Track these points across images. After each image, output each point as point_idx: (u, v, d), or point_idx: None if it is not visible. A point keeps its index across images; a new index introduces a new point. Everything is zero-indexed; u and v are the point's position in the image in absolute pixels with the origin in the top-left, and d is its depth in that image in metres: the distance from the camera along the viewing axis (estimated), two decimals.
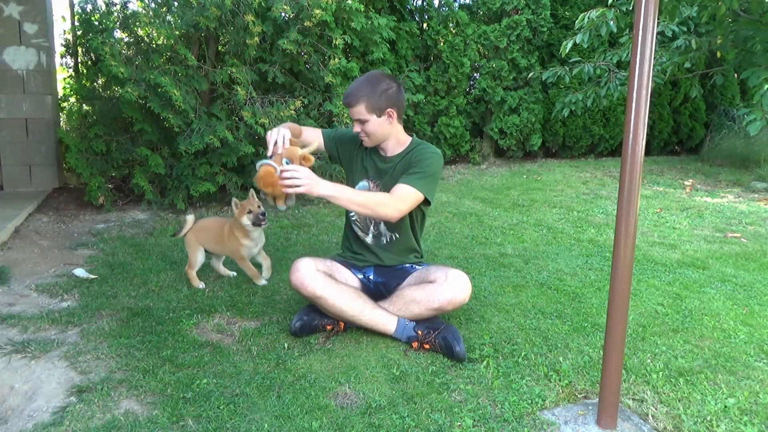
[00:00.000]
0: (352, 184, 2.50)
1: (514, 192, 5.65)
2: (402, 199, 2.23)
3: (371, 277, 2.49)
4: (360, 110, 2.27)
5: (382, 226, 2.48)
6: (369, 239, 2.50)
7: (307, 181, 2.07)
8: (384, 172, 2.42)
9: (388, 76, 2.35)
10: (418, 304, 2.28)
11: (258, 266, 3.01)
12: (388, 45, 5.59)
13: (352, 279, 2.46)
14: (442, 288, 2.25)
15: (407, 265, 2.51)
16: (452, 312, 2.42)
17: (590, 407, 1.86)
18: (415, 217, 2.47)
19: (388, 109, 2.30)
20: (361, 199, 2.20)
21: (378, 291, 2.45)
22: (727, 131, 8.37)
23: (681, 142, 9.16)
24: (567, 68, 5.71)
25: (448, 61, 6.57)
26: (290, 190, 2.08)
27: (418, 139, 2.47)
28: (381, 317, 2.29)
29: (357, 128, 2.32)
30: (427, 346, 2.22)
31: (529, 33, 6.86)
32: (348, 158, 2.54)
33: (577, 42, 4.92)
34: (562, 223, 4.47)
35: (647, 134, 1.88)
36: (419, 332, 2.24)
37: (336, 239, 3.73)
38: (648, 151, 8.49)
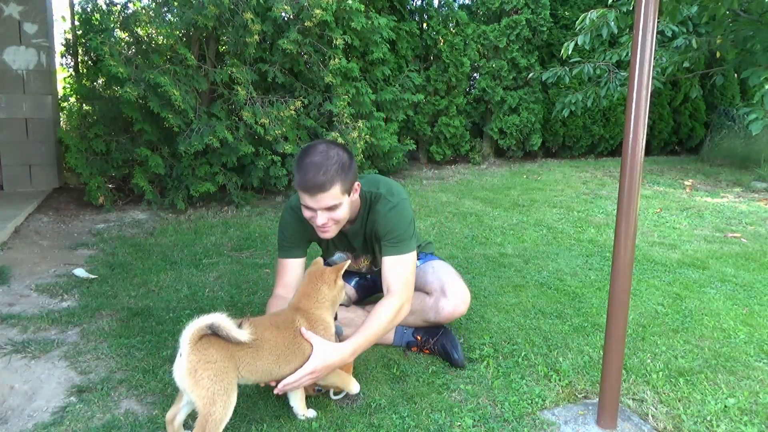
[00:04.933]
0: (325, 257, 2.24)
1: (514, 192, 5.64)
2: (406, 284, 1.97)
3: (368, 276, 2.47)
4: (335, 193, 1.80)
5: (373, 267, 2.34)
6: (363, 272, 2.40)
7: (314, 373, 1.71)
8: (352, 243, 2.19)
9: (335, 143, 1.92)
10: (413, 315, 2.17)
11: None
12: (388, 45, 5.59)
13: (348, 289, 2.37)
14: (439, 303, 2.16)
15: None
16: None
17: (590, 407, 1.86)
18: None
19: (356, 184, 1.92)
20: (383, 329, 1.90)
21: (374, 282, 2.43)
22: (727, 131, 8.36)
23: (681, 142, 9.16)
24: (567, 68, 5.71)
25: (448, 61, 6.57)
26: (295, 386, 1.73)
27: (366, 190, 2.04)
28: None
29: (321, 219, 1.85)
30: (426, 351, 2.22)
31: (528, 33, 6.86)
32: (316, 239, 2.15)
33: (579, 43, 4.92)
34: (562, 223, 4.47)
35: (647, 134, 1.88)
36: (418, 338, 2.23)
37: None
38: (648, 151, 8.49)
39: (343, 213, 1.88)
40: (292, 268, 2.10)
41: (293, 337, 1.70)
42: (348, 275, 2.44)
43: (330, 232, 1.92)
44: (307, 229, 2.03)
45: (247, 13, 4.23)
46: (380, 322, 1.88)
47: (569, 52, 4.97)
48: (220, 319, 1.49)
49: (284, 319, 1.73)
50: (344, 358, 1.77)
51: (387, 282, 1.98)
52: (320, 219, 1.85)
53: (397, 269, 1.98)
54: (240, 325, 1.55)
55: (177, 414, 1.61)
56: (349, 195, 1.88)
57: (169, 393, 1.91)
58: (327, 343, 1.75)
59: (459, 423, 1.78)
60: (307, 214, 1.88)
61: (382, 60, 5.54)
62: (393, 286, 1.96)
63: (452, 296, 2.16)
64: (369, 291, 2.45)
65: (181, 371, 1.49)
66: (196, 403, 1.48)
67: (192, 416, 1.62)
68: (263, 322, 1.69)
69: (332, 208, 1.84)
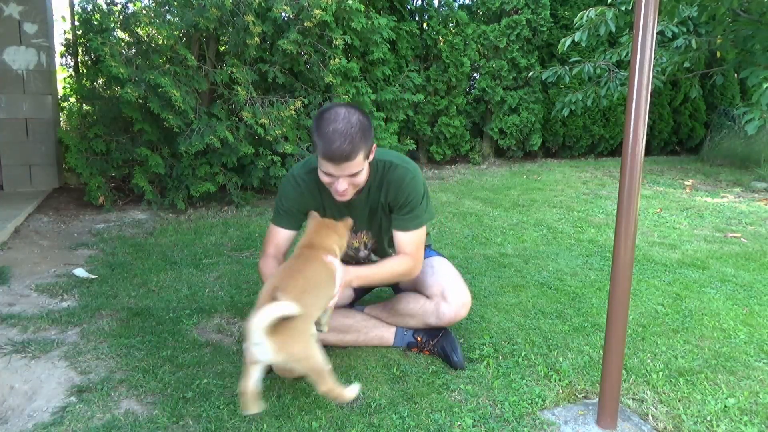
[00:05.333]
0: None
1: (514, 192, 5.65)
2: (419, 250, 2.06)
3: None
4: (359, 161, 1.81)
5: (372, 256, 2.32)
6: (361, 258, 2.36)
7: (341, 286, 1.86)
8: (353, 215, 2.10)
9: (354, 106, 1.88)
10: (414, 319, 2.20)
11: None
12: (388, 45, 5.59)
13: (346, 290, 2.29)
14: (440, 309, 2.14)
15: None
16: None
17: (590, 407, 1.86)
18: None
19: (373, 145, 1.93)
20: (390, 275, 2.05)
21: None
22: (727, 131, 8.37)
23: (681, 142, 9.16)
24: (567, 68, 5.71)
25: (448, 61, 6.57)
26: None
27: (380, 159, 2.03)
28: (377, 337, 2.24)
29: (342, 186, 1.85)
30: (426, 353, 2.22)
31: (528, 33, 6.86)
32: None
33: (576, 40, 4.92)
34: (562, 223, 4.47)
35: (647, 134, 1.88)
36: (418, 338, 2.23)
37: None
38: (648, 151, 8.49)
39: (364, 177, 1.91)
40: (284, 238, 2.10)
41: (324, 264, 1.85)
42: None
43: (347, 196, 1.93)
44: (306, 202, 2.06)
45: (249, 15, 4.23)
46: (389, 268, 2.01)
47: (565, 48, 4.97)
48: (282, 309, 1.58)
49: (311, 256, 1.86)
50: (349, 279, 1.90)
51: (401, 248, 2.06)
52: (341, 185, 1.85)
53: (413, 239, 2.05)
54: (275, 296, 1.64)
55: (251, 383, 1.65)
56: (368, 159, 1.90)
57: (169, 393, 1.91)
58: (341, 264, 1.90)
59: (459, 423, 1.78)
60: (325, 179, 1.88)
61: (382, 60, 5.54)
62: (407, 249, 2.04)
63: (453, 301, 2.12)
64: (365, 290, 2.43)
65: (270, 354, 1.59)
66: (302, 369, 1.66)
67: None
68: (295, 275, 1.77)
69: (355, 174, 1.85)
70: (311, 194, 2.04)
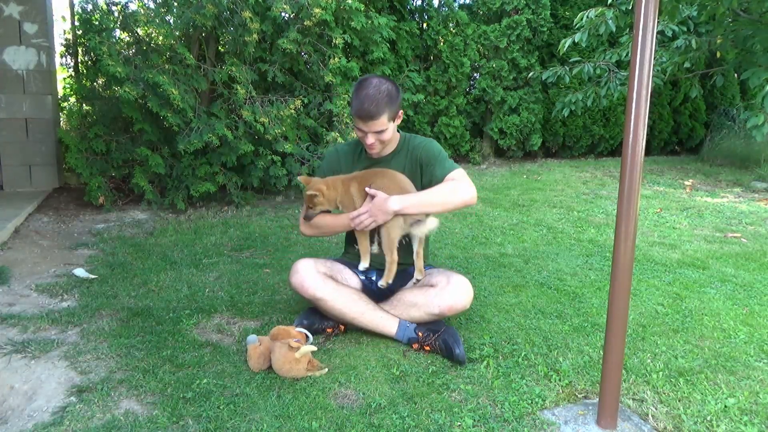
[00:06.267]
0: None
1: (514, 192, 5.64)
2: (463, 177, 2.33)
3: (374, 278, 2.47)
4: (383, 121, 2.23)
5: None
6: (374, 248, 2.44)
7: (375, 215, 2.23)
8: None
9: (386, 78, 2.33)
10: (418, 309, 2.28)
11: None
12: (388, 45, 5.59)
13: (354, 280, 2.45)
14: (442, 294, 2.25)
15: (411, 268, 2.48)
16: (452, 317, 2.41)
17: (590, 407, 1.86)
18: None
19: (399, 112, 2.33)
20: (436, 199, 2.30)
21: (381, 292, 2.44)
22: (727, 131, 8.36)
23: (681, 142, 9.16)
24: (567, 68, 5.71)
25: (448, 61, 6.57)
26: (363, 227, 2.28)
27: (404, 133, 2.48)
28: (382, 319, 2.28)
29: (371, 140, 2.28)
30: (427, 348, 2.22)
31: (529, 33, 6.86)
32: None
33: (576, 41, 4.92)
34: (562, 223, 4.47)
35: (647, 134, 1.88)
36: (420, 334, 2.24)
37: (336, 239, 3.73)
38: (648, 151, 8.49)
39: (388, 135, 2.31)
40: None
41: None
42: (356, 271, 2.46)
43: (375, 149, 2.35)
44: (340, 163, 2.46)
45: (246, 11, 4.23)
46: (433, 193, 2.30)
47: (565, 49, 4.97)
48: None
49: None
50: (382, 209, 2.25)
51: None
52: (370, 139, 2.28)
53: (458, 172, 2.34)
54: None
55: None
56: (393, 121, 2.31)
57: (169, 393, 1.91)
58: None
59: (459, 423, 1.78)
60: (358, 134, 2.33)
61: (382, 60, 5.54)
62: (450, 177, 2.32)
63: (456, 288, 2.25)
64: (374, 298, 2.41)
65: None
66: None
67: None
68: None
69: (380, 132, 2.26)
70: (345, 158, 2.48)
